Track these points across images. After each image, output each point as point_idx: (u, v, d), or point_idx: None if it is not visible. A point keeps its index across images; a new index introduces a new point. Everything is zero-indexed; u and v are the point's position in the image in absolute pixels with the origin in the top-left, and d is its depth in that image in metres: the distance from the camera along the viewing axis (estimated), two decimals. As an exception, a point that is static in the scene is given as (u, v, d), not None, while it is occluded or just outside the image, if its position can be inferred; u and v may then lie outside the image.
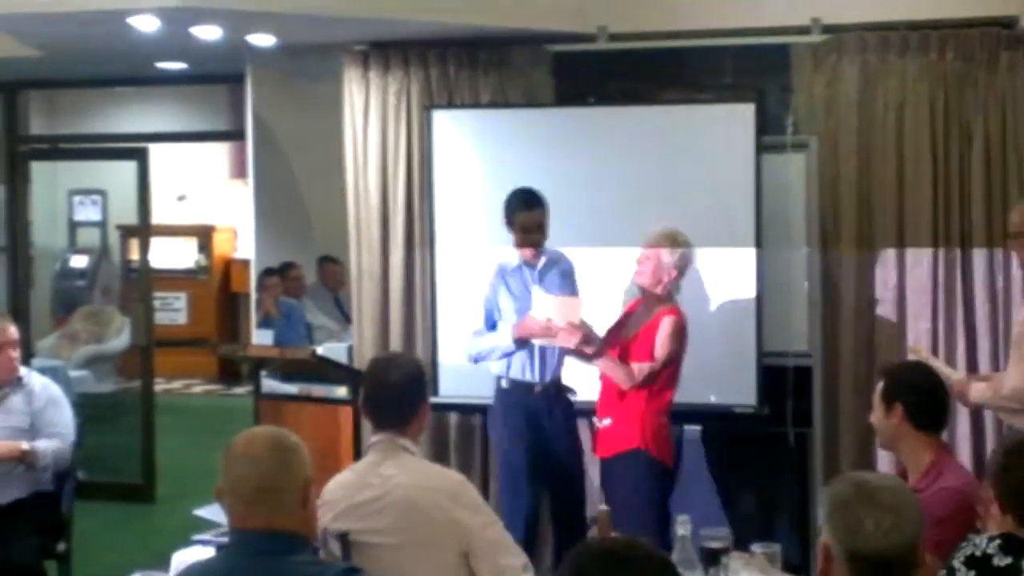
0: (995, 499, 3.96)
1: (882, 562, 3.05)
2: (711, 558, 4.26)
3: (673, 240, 6.67)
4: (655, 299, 6.70)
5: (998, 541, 3.79)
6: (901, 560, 3.08)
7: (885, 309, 7.63)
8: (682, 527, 4.30)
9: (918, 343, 7.32)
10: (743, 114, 7.41)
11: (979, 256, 7.47)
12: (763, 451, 7.46)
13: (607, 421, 6.66)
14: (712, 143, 7.51)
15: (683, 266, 6.69)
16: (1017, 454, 4.08)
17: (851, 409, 7.47)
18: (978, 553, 3.77)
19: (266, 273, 10.37)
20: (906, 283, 7.60)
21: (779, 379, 7.42)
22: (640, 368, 6.55)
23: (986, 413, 7.32)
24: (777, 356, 7.46)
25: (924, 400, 4.83)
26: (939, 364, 6.36)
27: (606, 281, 7.52)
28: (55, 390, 7.12)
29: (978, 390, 6.09)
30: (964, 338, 7.50)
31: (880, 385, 4.91)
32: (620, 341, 6.73)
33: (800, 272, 7.57)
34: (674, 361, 6.63)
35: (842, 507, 3.10)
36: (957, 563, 3.78)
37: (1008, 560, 3.77)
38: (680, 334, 6.61)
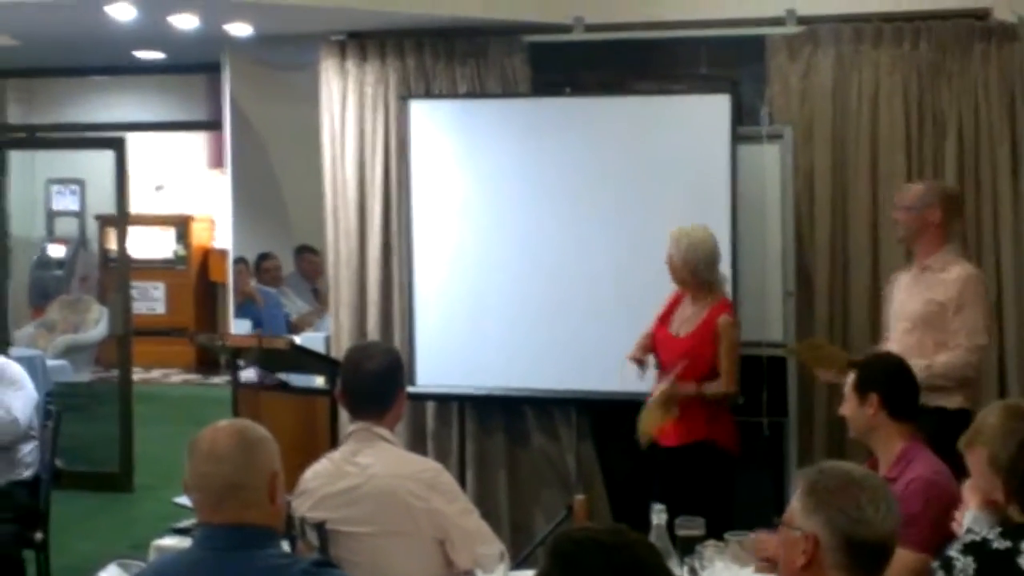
0: (1002, 489, 3.92)
1: (880, 547, 3.09)
2: (686, 547, 4.29)
3: (672, 241, 6.68)
4: (696, 295, 6.75)
5: (999, 528, 3.78)
6: (892, 543, 3.14)
7: (859, 298, 7.66)
8: (657, 516, 4.33)
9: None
10: (718, 105, 7.45)
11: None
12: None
13: (676, 412, 6.67)
14: (688, 133, 7.54)
15: (694, 261, 6.67)
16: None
17: (825, 398, 7.51)
18: (978, 539, 3.74)
19: (236, 262, 10.38)
20: (880, 272, 7.64)
21: (754, 368, 7.46)
22: (727, 378, 6.66)
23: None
24: (752, 346, 7.50)
25: (900, 389, 4.88)
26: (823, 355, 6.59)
27: (583, 270, 7.57)
28: (13, 371, 7.15)
29: None
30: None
31: (853, 377, 4.95)
32: (675, 340, 6.75)
33: (775, 262, 7.61)
34: None
35: (838, 496, 3.11)
36: (955, 552, 3.73)
37: (1007, 543, 3.73)
38: (738, 327, 6.75)
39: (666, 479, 6.61)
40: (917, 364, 6.04)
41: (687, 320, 6.74)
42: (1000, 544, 3.72)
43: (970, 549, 3.71)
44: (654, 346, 6.85)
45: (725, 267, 7.20)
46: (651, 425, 6.62)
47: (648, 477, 6.72)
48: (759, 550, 4.35)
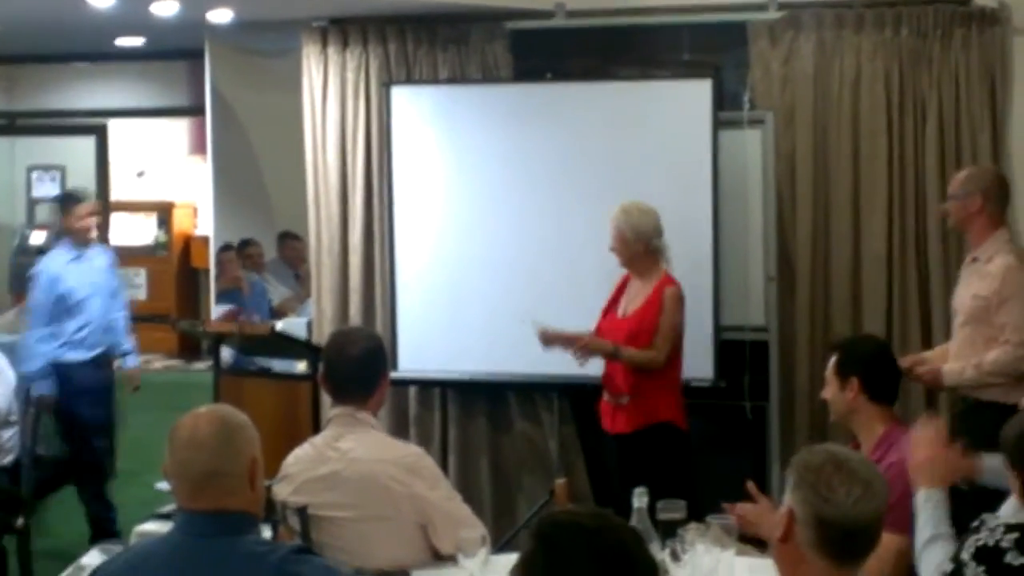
0: (1015, 478, 3.81)
1: (849, 530, 3.11)
2: (667, 530, 4.30)
3: (622, 213, 6.68)
4: (643, 271, 6.74)
5: (1016, 535, 3.53)
6: (866, 530, 3.14)
7: (840, 283, 7.68)
8: (638, 499, 4.34)
9: (872, 318, 7.40)
10: (700, 90, 7.47)
11: (933, 229, 7.53)
12: (720, 424, 7.52)
13: (625, 398, 6.68)
14: (669, 119, 7.55)
15: (647, 231, 6.68)
16: None
17: (807, 382, 7.53)
18: (990, 543, 3.53)
19: (223, 249, 10.36)
20: (861, 257, 7.66)
21: (736, 353, 7.49)
22: (659, 346, 6.60)
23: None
24: (734, 330, 7.53)
25: (880, 372, 4.89)
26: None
27: (565, 256, 7.58)
28: None
29: (953, 372, 6.13)
30: (918, 311, 7.58)
31: (833, 360, 4.96)
32: (620, 321, 6.76)
33: (756, 247, 7.63)
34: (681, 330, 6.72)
35: (814, 473, 3.15)
36: (967, 555, 3.55)
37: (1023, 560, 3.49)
38: (682, 301, 6.67)
39: (626, 465, 6.63)
40: (968, 363, 6.08)
41: (633, 299, 6.74)
42: (1015, 559, 3.49)
43: (982, 556, 3.53)
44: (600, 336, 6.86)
45: (707, 251, 7.26)
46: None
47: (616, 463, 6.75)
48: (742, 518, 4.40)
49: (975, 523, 3.66)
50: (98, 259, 8.16)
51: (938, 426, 4.33)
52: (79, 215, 8.02)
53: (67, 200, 8.25)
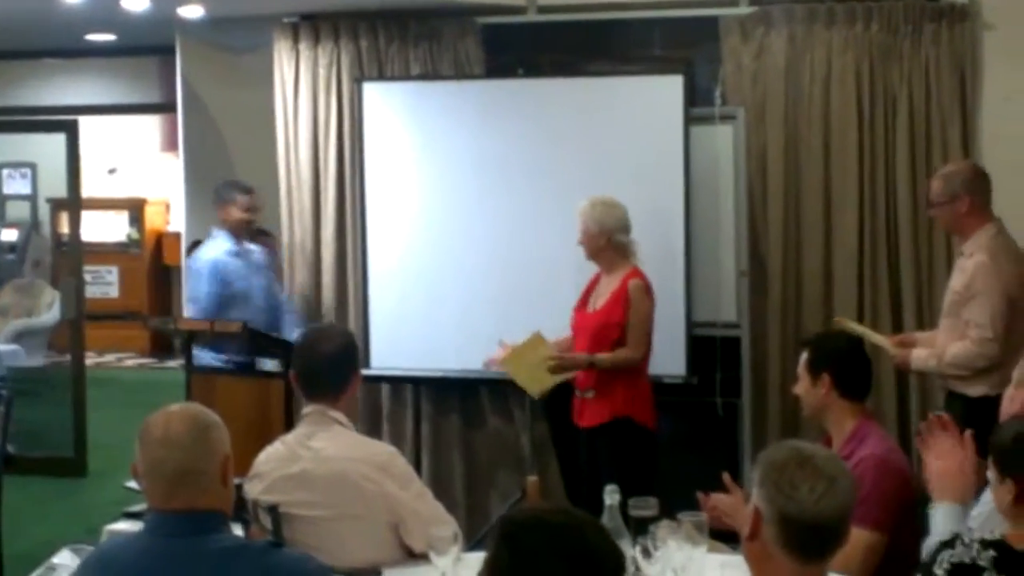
0: (1003, 479, 3.59)
1: (812, 526, 3.10)
2: (639, 527, 4.29)
3: (588, 206, 6.71)
4: (610, 266, 6.75)
5: (992, 552, 3.43)
6: (830, 527, 3.13)
7: (812, 278, 7.69)
8: (609, 496, 4.33)
9: (843, 313, 7.39)
10: (672, 86, 7.46)
11: (904, 225, 7.55)
12: (692, 421, 7.53)
13: (591, 393, 6.71)
14: (641, 115, 7.55)
15: (611, 224, 6.69)
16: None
17: (779, 379, 7.55)
18: (967, 560, 3.43)
19: (195, 244, 10.32)
20: (833, 252, 7.67)
21: (708, 349, 7.49)
22: (633, 344, 6.62)
23: (912, 384, 7.44)
24: (706, 326, 7.53)
25: (851, 368, 4.90)
26: (867, 332, 6.48)
27: (537, 252, 7.57)
28: None
29: (920, 358, 6.25)
30: (889, 306, 7.59)
31: (805, 356, 4.97)
32: (589, 316, 6.77)
33: (728, 243, 7.63)
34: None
35: (777, 471, 3.14)
36: (940, 570, 3.44)
37: None
38: (649, 293, 6.69)
39: (593, 458, 6.66)
40: (932, 354, 6.16)
41: (602, 294, 6.77)
42: None
43: (958, 574, 3.42)
44: (573, 332, 6.91)
45: (679, 247, 7.26)
46: (539, 385, 6.74)
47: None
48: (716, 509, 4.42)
49: (949, 537, 3.58)
50: (255, 253, 8.11)
51: (965, 440, 4.24)
52: (240, 207, 7.98)
53: (228, 191, 8.13)
